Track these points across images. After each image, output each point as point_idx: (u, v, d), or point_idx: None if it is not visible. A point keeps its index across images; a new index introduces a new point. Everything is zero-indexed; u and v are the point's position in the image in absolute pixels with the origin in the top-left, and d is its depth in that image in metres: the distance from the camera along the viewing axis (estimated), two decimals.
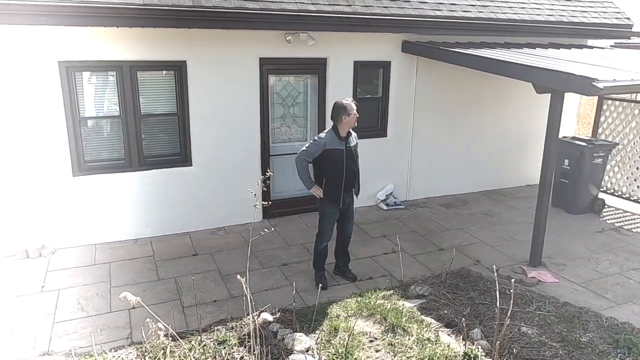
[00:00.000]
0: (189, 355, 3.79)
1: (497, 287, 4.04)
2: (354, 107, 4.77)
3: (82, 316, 4.50)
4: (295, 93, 6.92)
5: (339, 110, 4.76)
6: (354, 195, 5.08)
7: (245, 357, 3.80)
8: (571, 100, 8.37)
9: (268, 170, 4.31)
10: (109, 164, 5.97)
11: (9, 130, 5.38)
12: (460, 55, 6.43)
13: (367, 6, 6.29)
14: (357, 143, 5.00)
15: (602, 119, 8.28)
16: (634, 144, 7.81)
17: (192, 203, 6.42)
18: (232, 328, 4.22)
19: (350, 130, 4.91)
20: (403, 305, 4.63)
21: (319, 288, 4.51)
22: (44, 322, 4.39)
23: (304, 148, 4.85)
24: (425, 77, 7.46)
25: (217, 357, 3.83)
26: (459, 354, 3.94)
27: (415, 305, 4.65)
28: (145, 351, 3.74)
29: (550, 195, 5.61)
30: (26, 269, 5.37)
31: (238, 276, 3.48)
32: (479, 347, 3.97)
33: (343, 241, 5.27)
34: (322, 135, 4.86)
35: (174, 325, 3.89)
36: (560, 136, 5.83)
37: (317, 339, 4.05)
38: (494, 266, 4.47)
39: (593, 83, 4.64)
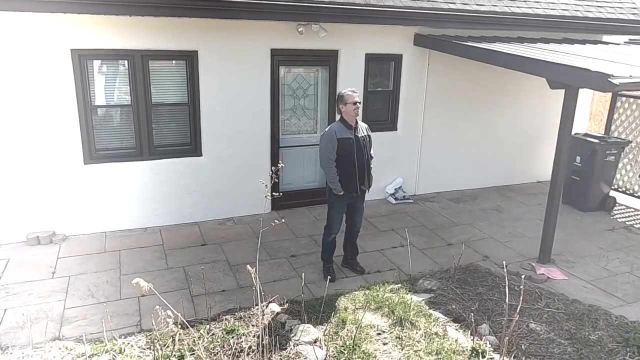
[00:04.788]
0: (197, 343, 3.82)
1: (507, 283, 4.02)
2: (353, 95, 4.73)
3: (92, 303, 4.55)
4: (305, 85, 6.89)
5: (337, 100, 4.85)
6: (366, 189, 5.05)
7: (253, 347, 3.82)
8: (584, 96, 8.27)
9: (280, 161, 4.31)
10: (120, 153, 6.00)
11: (21, 117, 5.40)
12: (472, 49, 6.36)
13: None
14: (368, 135, 4.97)
15: (615, 116, 8.19)
16: None
17: (202, 193, 6.44)
18: (241, 318, 4.25)
19: (360, 122, 4.91)
20: (411, 299, 4.63)
21: (327, 280, 4.53)
22: (55, 308, 4.44)
23: (321, 150, 4.82)
24: (437, 71, 7.40)
25: (225, 346, 3.85)
26: (466, 349, 3.94)
27: (423, 300, 4.65)
28: (155, 338, 3.77)
29: (561, 192, 5.57)
30: (37, 255, 5.42)
31: (248, 266, 3.50)
32: (487, 342, 3.97)
33: (352, 234, 5.26)
34: (328, 128, 4.88)
35: (183, 314, 3.92)
36: (572, 133, 5.77)
37: (325, 330, 4.07)
38: (504, 262, 4.45)
39: (609, 79, 4.58)
